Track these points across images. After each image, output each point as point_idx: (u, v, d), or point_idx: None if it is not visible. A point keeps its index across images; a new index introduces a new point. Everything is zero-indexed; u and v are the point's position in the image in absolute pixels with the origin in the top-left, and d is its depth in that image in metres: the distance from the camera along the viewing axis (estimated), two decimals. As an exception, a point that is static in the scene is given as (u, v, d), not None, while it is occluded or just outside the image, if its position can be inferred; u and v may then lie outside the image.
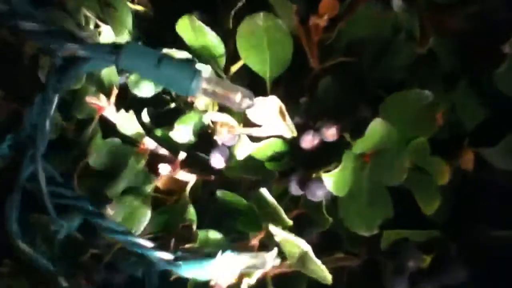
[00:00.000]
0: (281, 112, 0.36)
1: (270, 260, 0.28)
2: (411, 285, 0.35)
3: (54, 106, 0.26)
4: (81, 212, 0.29)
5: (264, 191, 0.36)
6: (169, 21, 0.44)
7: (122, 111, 0.41)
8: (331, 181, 0.35)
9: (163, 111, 0.49)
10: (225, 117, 0.35)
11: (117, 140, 0.41)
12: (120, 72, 0.22)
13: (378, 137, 0.34)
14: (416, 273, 0.35)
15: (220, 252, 0.28)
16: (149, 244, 0.28)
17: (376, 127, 0.33)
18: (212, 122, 0.40)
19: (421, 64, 0.39)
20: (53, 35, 0.22)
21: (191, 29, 0.43)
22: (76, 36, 0.23)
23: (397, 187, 0.36)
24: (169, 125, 0.43)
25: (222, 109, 0.39)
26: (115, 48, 0.21)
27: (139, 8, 0.52)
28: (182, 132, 0.42)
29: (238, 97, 0.22)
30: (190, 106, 0.44)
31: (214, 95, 0.22)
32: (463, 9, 0.37)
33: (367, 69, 0.40)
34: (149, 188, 0.38)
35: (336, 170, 0.34)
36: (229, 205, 0.41)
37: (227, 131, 0.36)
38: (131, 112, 0.40)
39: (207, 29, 0.43)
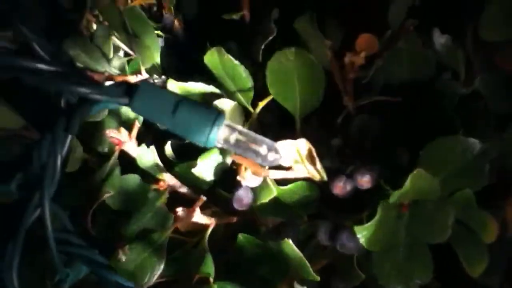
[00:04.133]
0: (310, 155, 0.33)
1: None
2: None
3: (66, 147, 0.24)
4: (87, 263, 0.26)
5: (288, 242, 0.32)
6: (199, 51, 0.42)
7: (143, 145, 0.39)
8: (364, 235, 0.31)
9: (186, 144, 0.48)
10: (249, 160, 0.33)
11: (135, 176, 0.39)
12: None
13: (418, 189, 0.30)
14: None
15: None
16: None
17: (417, 180, 0.30)
18: (236, 163, 0.37)
19: (467, 106, 0.36)
20: (63, 78, 0.20)
21: (219, 62, 0.41)
22: (88, 77, 0.21)
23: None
24: (192, 161, 0.41)
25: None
26: (128, 89, 0.19)
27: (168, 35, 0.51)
28: (204, 169, 0.40)
29: (263, 150, 0.19)
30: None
31: (236, 147, 0.19)
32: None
33: (406, 109, 0.37)
34: (167, 231, 0.35)
35: (370, 223, 0.31)
36: (250, 249, 0.38)
37: (251, 174, 0.34)
38: (152, 147, 0.38)
39: (236, 62, 0.41)
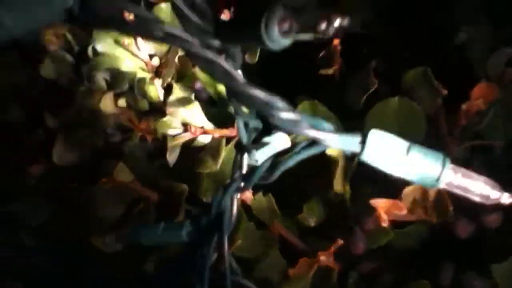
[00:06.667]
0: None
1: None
2: None
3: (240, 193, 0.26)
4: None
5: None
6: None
7: (260, 194, 0.40)
8: (500, 274, 0.32)
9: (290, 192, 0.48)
10: (388, 202, 0.34)
11: (251, 224, 0.40)
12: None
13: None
14: None
15: None
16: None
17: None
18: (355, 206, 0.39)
19: None
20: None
21: (312, 112, 0.44)
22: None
23: None
24: (297, 208, 0.42)
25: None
26: (363, 138, 0.21)
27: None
28: (311, 215, 0.41)
29: (486, 190, 0.21)
30: (317, 189, 0.43)
31: (458, 188, 0.21)
32: None
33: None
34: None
35: (508, 261, 0.32)
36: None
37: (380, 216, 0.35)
38: (270, 195, 0.40)
39: (328, 113, 0.44)
